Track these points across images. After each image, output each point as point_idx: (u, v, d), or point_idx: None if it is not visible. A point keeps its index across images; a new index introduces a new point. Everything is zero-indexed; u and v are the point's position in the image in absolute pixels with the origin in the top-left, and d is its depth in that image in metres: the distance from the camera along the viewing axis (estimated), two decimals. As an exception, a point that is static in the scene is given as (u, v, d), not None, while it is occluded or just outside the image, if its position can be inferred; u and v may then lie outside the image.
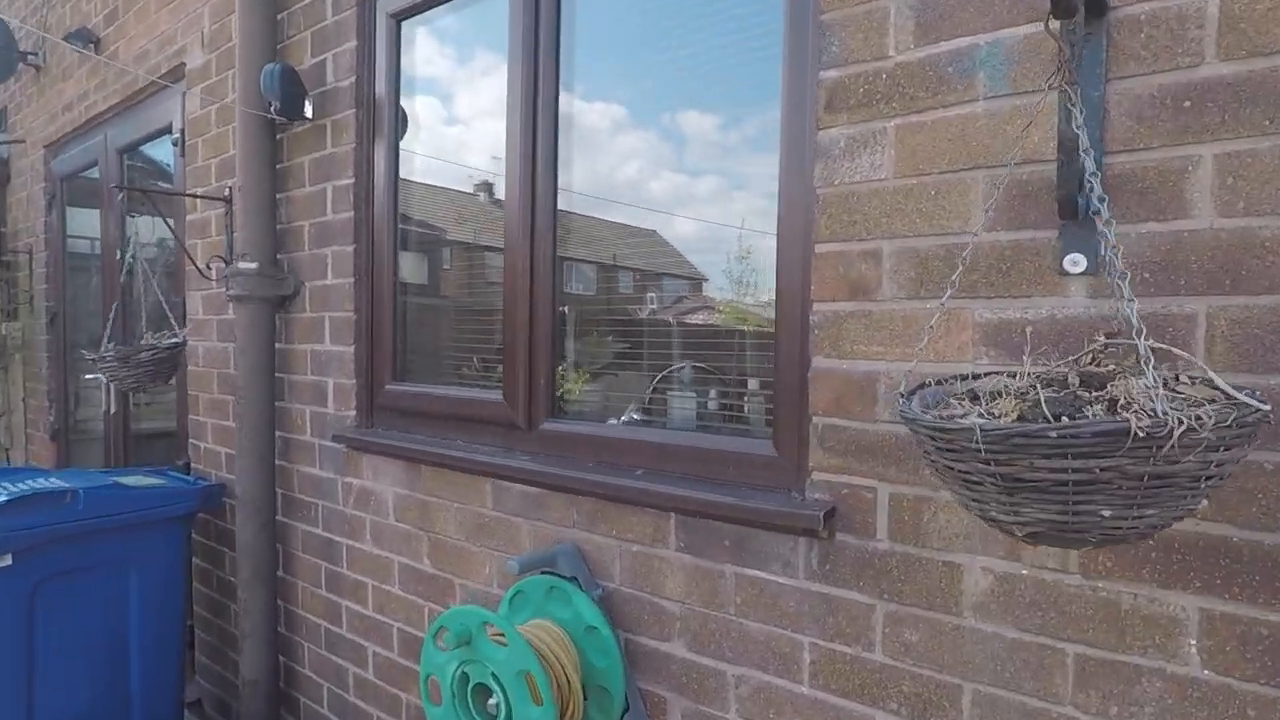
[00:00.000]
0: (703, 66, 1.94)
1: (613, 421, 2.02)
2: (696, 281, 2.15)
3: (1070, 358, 1.00)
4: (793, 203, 1.53)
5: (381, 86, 2.43)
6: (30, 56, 4.87)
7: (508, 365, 2.09)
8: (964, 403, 0.90)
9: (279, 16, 2.70)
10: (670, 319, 2.20)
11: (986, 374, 1.08)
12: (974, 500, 0.84)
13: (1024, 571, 1.25)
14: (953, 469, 0.83)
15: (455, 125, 2.63)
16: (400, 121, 2.55)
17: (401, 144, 2.58)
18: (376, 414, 2.51)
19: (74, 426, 5.00)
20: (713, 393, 1.98)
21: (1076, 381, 0.88)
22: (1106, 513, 0.76)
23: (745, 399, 1.91)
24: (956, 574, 1.32)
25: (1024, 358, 1.01)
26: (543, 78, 1.99)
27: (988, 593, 1.29)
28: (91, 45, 4.12)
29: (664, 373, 2.18)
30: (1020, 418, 0.80)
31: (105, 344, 3.30)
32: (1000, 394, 0.89)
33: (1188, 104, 1.12)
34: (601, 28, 2.09)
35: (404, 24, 2.40)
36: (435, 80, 2.60)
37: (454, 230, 2.81)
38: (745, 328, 1.96)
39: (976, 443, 0.75)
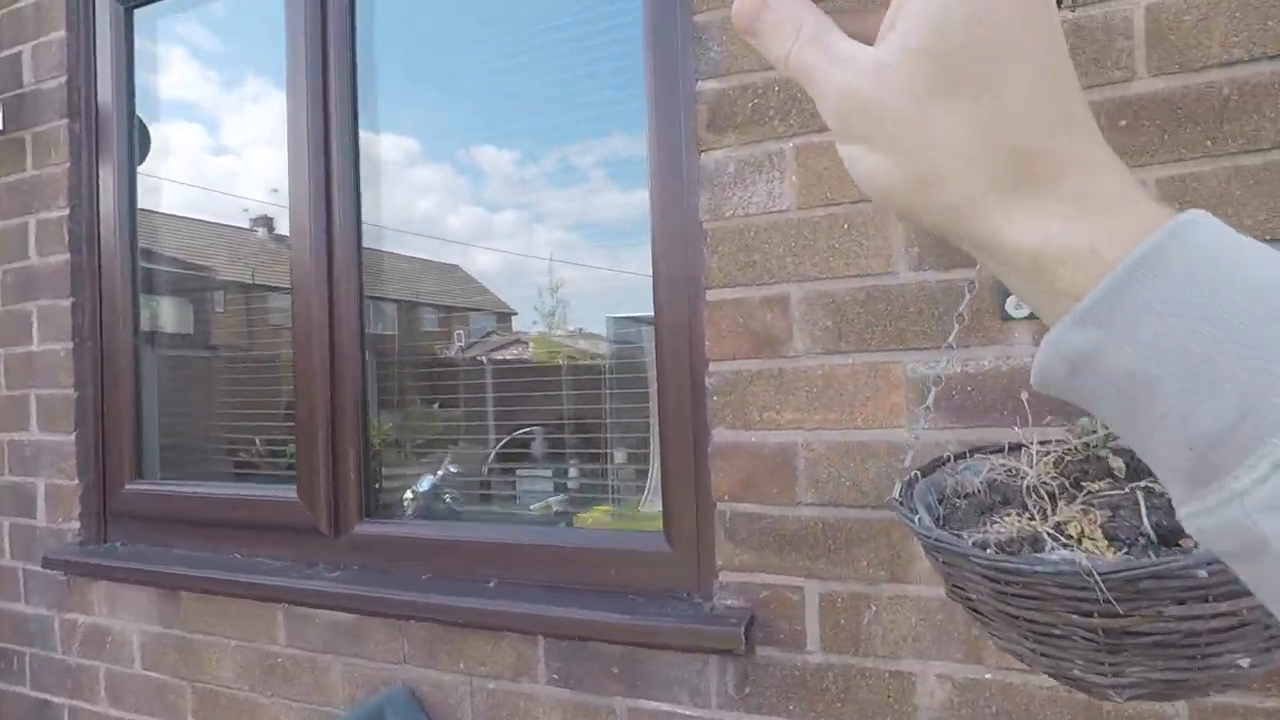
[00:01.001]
0: (544, 88, 1.66)
1: (450, 509, 1.60)
2: (506, 317, 1.88)
3: (1066, 426, 0.80)
4: (671, 239, 1.25)
5: (108, 91, 1.84)
6: None
7: (303, 448, 1.60)
8: (1006, 516, 0.65)
9: (-51, -6, 2.00)
10: (481, 360, 1.85)
11: (974, 453, 0.85)
12: (1045, 655, 0.58)
13: (988, 676, 1.04)
14: (1020, 619, 0.57)
15: (223, 151, 2.10)
16: (140, 138, 1.97)
17: (143, 168, 1.99)
18: (112, 525, 1.85)
19: None
20: (573, 469, 1.64)
21: (1122, 467, 0.66)
22: (1245, 662, 0.53)
23: (614, 472, 1.60)
24: (907, 685, 1.08)
25: (1017, 429, 0.80)
26: (334, 93, 1.57)
27: (946, 704, 1.06)
28: None
29: (509, 438, 1.82)
30: (1110, 541, 0.56)
31: None
32: (1041, 494, 0.65)
33: (1123, 123, 0.99)
34: (412, 43, 1.72)
35: (137, 12, 1.85)
36: (192, 90, 2.05)
37: (226, 271, 2.24)
38: (608, 375, 1.66)
39: (1093, 589, 0.49)
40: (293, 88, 1.60)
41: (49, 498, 1.91)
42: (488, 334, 2.10)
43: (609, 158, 1.63)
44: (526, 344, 1.94)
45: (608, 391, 1.71)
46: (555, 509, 1.69)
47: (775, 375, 1.15)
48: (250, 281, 2.26)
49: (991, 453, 0.86)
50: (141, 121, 2.00)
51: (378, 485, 1.63)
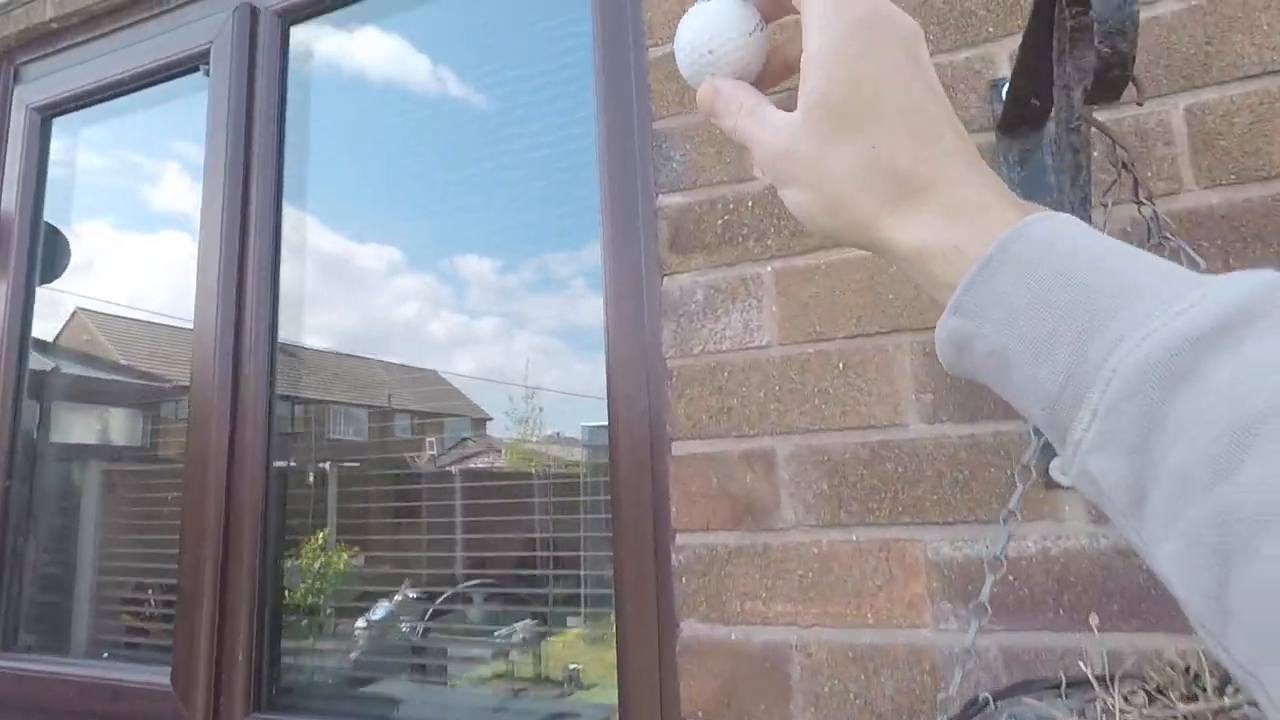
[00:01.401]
0: (498, 199, 1.53)
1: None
2: (481, 422, 1.71)
3: (1137, 625, 0.56)
4: (629, 378, 1.04)
5: (12, 201, 1.65)
6: None
7: (182, 615, 1.30)
8: None
9: None
10: (451, 471, 1.61)
11: (1024, 689, 0.60)
12: None
13: None
14: None
15: (147, 258, 1.91)
16: (60, 250, 1.78)
17: (54, 281, 1.79)
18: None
19: None
20: (544, 589, 1.37)
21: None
22: None
23: (587, 597, 1.34)
24: None
25: (1078, 635, 0.55)
26: (258, 181, 1.39)
27: None
28: None
29: (442, 598, 1.56)
30: None
31: None
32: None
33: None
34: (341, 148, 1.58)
35: (56, 122, 1.69)
36: (120, 198, 1.89)
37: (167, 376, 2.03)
38: (583, 481, 1.43)
39: None
40: (210, 158, 1.41)
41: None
42: (462, 439, 1.96)
43: (583, 268, 1.50)
44: (500, 451, 1.84)
45: (584, 504, 1.50)
46: (522, 636, 1.48)
47: (760, 553, 0.91)
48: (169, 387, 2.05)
49: (1046, 689, 0.62)
50: (59, 233, 1.82)
51: (280, 665, 1.33)
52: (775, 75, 0.39)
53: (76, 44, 1.64)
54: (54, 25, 1.64)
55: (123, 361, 2.38)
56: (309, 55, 1.55)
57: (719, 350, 0.97)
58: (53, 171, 1.69)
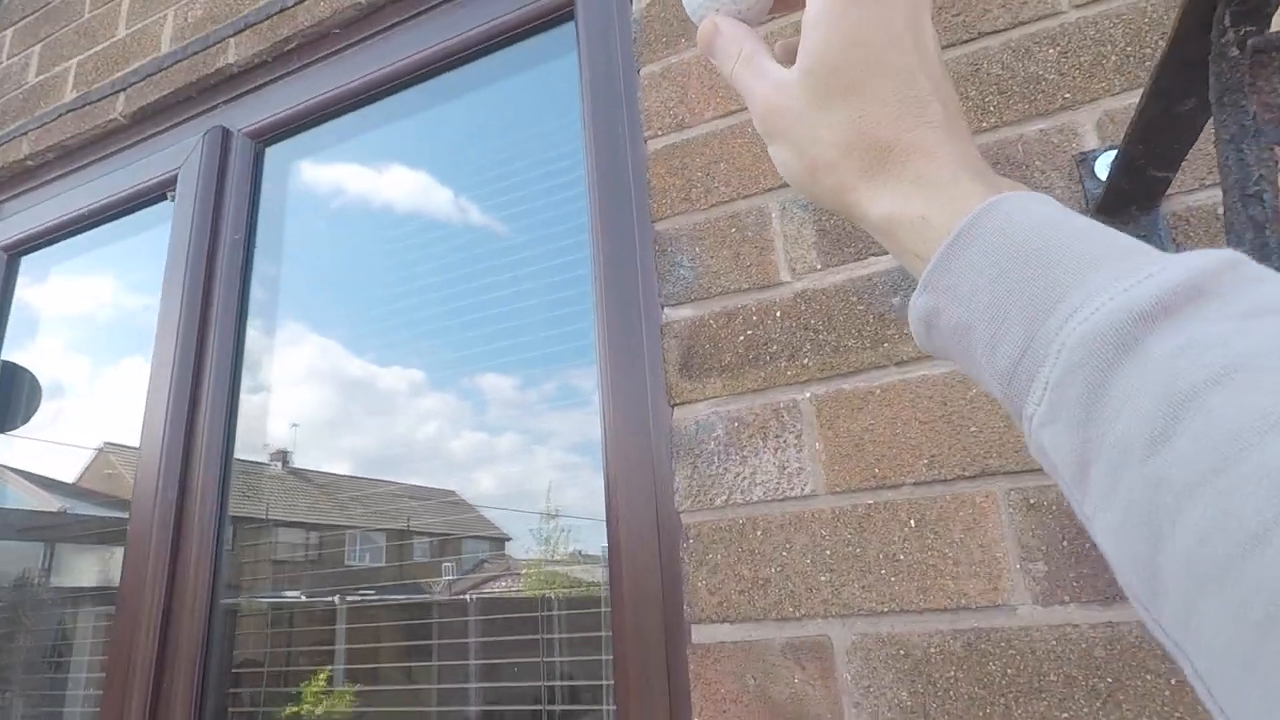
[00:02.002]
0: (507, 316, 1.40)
1: None
2: (500, 543, 1.60)
3: None
4: (636, 541, 0.82)
5: (-32, 346, 1.53)
6: None
7: None
8: None
9: None
10: (466, 599, 1.37)
11: None
12: None
13: None
14: None
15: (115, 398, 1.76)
16: (18, 395, 1.64)
17: (24, 426, 1.65)
18: None
19: None
20: None
21: None
22: None
23: None
24: None
25: None
26: (219, 302, 1.24)
27: None
28: None
29: None
30: None
31: None
32: None
33: None
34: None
35: (27, 260, 1.59)
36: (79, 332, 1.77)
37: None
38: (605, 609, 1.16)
39: None
40: (165, 315, 1.27)
41: None
42: (480, 562, 1.83)
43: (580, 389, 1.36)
44: (518, 575, 1.72)
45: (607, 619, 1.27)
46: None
47: (821, 795, 0.65)
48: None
49: None
50: (26, 372, 1.69)
51: None
52: (783, 4, 0.37)
53: (51, 179, 1.56)
54: (30, 163, 1.57)
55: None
56: (310, 180, 1.46)
57: (748, 501, 0.75)
58: (48, 308, 1.59)
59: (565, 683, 1.32)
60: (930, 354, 0.30)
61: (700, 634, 0.73)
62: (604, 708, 1.18)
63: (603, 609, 1.32)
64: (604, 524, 1.30)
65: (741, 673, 0.71)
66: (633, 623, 0.80)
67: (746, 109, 0.88)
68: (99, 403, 1.77)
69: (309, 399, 1.46)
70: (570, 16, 1.10)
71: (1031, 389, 0.23)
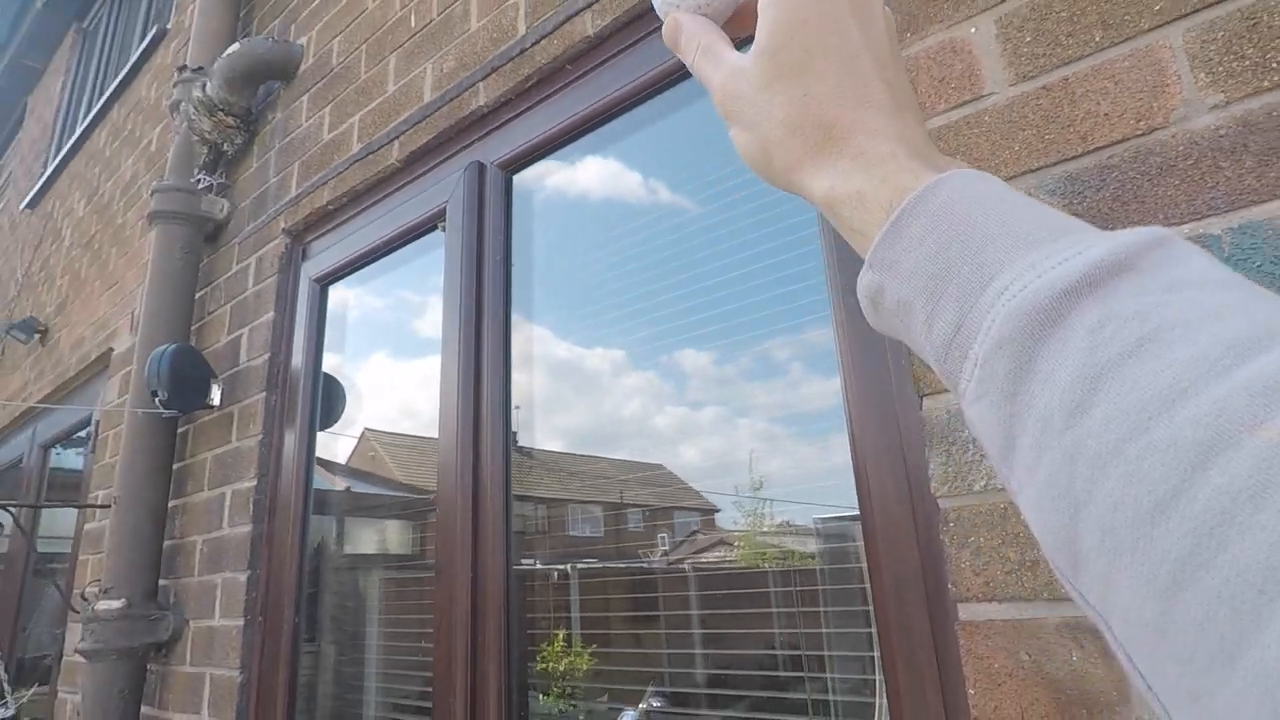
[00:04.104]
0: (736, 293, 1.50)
1: None
2: (710, 513, 1.64)
3: None
4: (889, 526, 0.87)
5: (300, 360, 1.91)
6: (-11, 352, 4.60)
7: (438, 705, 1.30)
8: None
9: (199, 293, 2.29)
10: (685, 568, 1.48)
11: None
12: None
13: None
14: None
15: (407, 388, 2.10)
16: (332, 400, 2.01)
17: (335, 426, 2.02)
18: (255, 837, 1.63)
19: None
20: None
21: None
22: None
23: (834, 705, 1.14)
24: None
25: None
26: (488, 306, 1.46)
27: None
28: (38, 335, 3.80)
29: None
30: None
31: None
32: None
33: None
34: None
35: (331, 288, 1.95)
36: (380, 336, 2.11)
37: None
38: (822, 586, 1.23)
39: None
40: (447, 289, 1.51)
41: (207, 792, 1.76)
42: (692, 533, 1.93)
43: (799, 351, 1.44)
44: (731, 545, 1.77)
45: (825, 594, 1.35)
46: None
47: (1108, 770, 0.67)
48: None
49: None
50: (337, 382, 2.06)
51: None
52: (746, 22, 0.38)
53: (346, 220, 1.89)
54: (330, 208, 1.92)
55: (400, 478, 2.63)
56: (533, 192, 1.65)
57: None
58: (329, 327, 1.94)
59: (788, 652, 1.39)
60: (878, 330, 0.31)
61: (967, 611, 0.77)
62: (825, 676, 1.25)
63: (820, 585, 1.38)
64: (814, 489, 1.37)
65: (1014, 649, 0.74)
66: (894, 600, 0.85)
67: (979, 98, 0.89)
68: (359, 395, 2.09)
69: (526, 382, 1.60)
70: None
71: (964, 366, 0.24)
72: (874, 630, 0.87)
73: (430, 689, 1.36)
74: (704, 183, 1.54)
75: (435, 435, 1.50)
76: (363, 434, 2.49)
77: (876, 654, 0.88)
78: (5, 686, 2.46)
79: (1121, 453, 0.19)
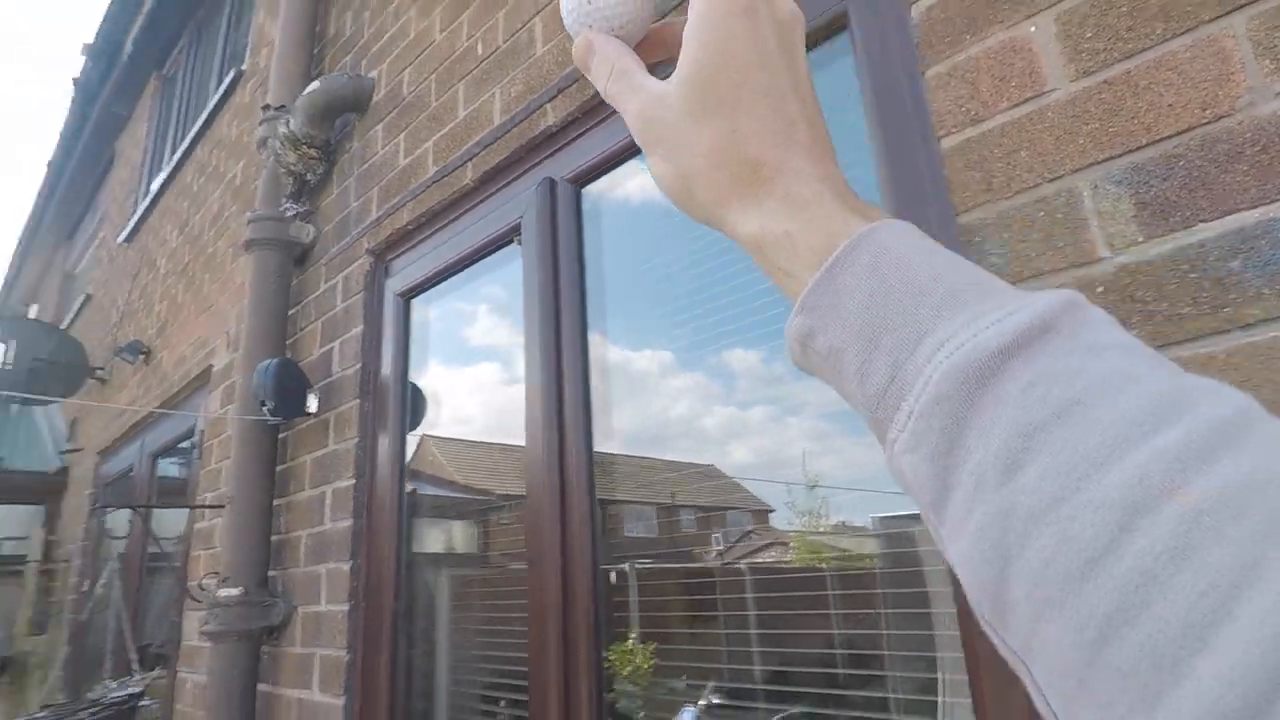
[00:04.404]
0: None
1: None
2: (763, 514, 1.67)
3: None
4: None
5: (388, 369, 2.04)
6: (99, 371, 4.98)
7: (535, 704, 1.40)
8: None
9: (291, 311, 2.46)
10: (740, 567, 1.53)
11: None
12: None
13: None
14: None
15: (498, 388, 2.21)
16: (415, 405, 2.14)
17: (418, 429, 2.14)
18: (368, 812, 1.77)
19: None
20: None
21: None
22: None
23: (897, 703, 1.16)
24: None
25: None
26: (565, 314, 1.54)
27: None
28: (143, 356, 4.11)
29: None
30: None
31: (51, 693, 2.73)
32: None
33: None
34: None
35: (414, 302, 2.07)
36: (459, 349, 2.23)
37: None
38: (882, 590, 1.26)
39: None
40: (527, 306, 1.61)
41: (321, 771, 1.91)
42: (746, 533, 1.96)
43: None
44: (786, 545, 1.78)
45: (884, 598, 1.37)
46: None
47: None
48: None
49: None
50: (419, 389, 2.19)
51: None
52: (656, 48, 0.38)
53: (425, 238, 2.01)
54: (409, 227, 2.04)
55: (458, 479, 2.75)
56: (590, 202, 1.72)
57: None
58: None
59: (846, 651, 1.42)
60: (805, 372, 0.31)
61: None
62: (888, 673, 1.27)
63: (879, 588, 1.40)
64: (862, 492, 1.39)
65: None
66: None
67: (1041, 95, 0.91)
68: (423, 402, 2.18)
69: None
70: (841, 29, 1.19)
71: (896, 416, 0.25)
72: (934, 632, 0.90)
73: (522, 669, 1.46)
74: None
75: (489, 440, 1.58)
76: (422, 439, 2.62)
77: (940, 655, 0.92)
78: (135, 667, 2.69)
79: (1055, 511, 0.20)
